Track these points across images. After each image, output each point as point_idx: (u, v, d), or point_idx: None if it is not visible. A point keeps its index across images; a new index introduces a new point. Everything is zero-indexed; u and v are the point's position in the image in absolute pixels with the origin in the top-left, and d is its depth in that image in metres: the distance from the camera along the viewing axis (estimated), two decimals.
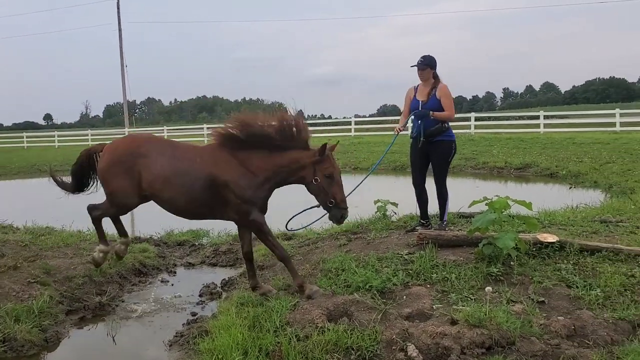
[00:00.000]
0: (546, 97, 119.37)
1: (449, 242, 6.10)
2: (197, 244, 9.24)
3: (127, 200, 5.75)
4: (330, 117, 79.90)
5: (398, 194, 9.35)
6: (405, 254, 5.99)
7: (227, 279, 7.14)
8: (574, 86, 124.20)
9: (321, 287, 5.29)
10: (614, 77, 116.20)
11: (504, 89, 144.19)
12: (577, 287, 4.95)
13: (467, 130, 30.15)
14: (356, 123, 37.14)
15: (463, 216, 7.78)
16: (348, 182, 5.95)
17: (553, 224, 7.16)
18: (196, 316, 5.89)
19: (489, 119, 38.33)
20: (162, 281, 7.29)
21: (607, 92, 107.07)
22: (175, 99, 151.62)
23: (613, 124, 26.58)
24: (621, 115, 27.17)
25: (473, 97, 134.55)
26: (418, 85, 7.04)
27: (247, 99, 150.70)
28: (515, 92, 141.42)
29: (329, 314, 4.72)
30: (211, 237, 9.54)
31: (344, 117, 46.27)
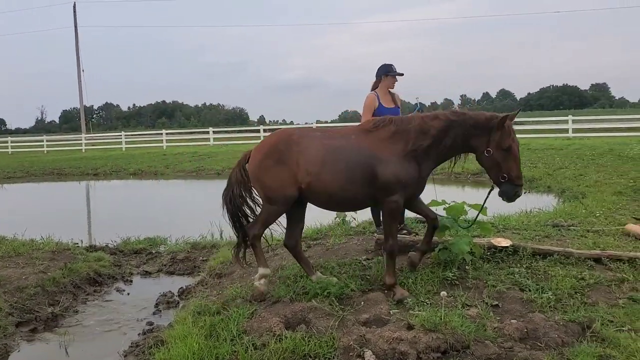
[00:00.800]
0: (502, 104, 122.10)
1: (408, 247, 6.16)
2: (154, 252, 9.10)
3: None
4: (292, 123, 79.91)
5: None
6: (364, 260, 6.03)
7: (184, 287, 7.05)
8: (529, 93, 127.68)
9: (280, 295, 5.26)
10: (567, 84, 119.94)
11: (461, 96, 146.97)
12: (529, 290, 5.07)
13: None
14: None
15: (421, 221, 7.87)
16: None
17: (507, 229, 7.33)
18: (152, 326, 5.79)
19: None
20: (117, 290, 7.15)
21: (561, 99, 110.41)
22: (134, 104, 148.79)
23: (566, 130, 27.37)
24: (574, 121, 28.01)
25: (432, 103, 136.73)
26: (377, 94, 6.95)
27: (207, 104, 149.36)
28: (473, 98, 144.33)
29: (286, 321, 4.71)
30: (169, 245, 9.40)
31: (306, 123, 46.36)
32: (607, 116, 37.54)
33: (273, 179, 5.16)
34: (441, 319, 4.32)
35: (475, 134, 4.94)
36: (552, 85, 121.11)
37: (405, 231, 6.89)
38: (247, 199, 5.58)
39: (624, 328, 4.34)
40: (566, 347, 4.12)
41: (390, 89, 6.89)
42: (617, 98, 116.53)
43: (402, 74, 6.81)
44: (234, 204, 5.53)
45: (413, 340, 4.12)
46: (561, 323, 4.42)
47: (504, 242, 5.95)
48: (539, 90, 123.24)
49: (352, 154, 5.01)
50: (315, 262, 6.17)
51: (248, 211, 5.61)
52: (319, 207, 5.45)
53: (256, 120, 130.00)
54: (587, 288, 5.16)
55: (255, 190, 5.54)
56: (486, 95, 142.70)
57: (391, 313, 4.72)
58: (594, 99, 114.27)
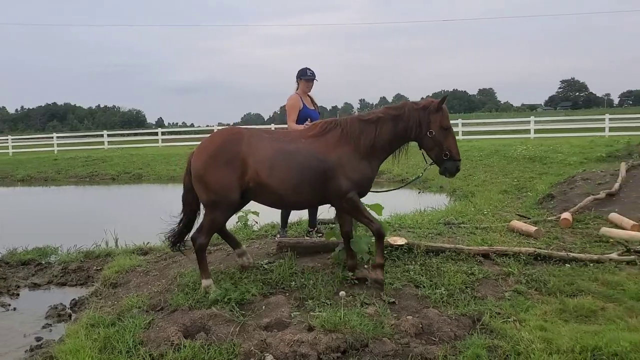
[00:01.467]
0: None
1: (308, 249, 6.21)
2: (44, 262, 8.54)
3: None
4: (192, 125, 78.05)
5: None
6: (265, 264, 6.00)
7: (77, 299, 6.67)
8: (422, 98, 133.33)
9: (178, 303, 5.11)
10: (456, 89, 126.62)
11: (360, 100, 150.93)
12: (424, 286, 5.28)
13: None
14: None
15: (323, 222, 7.97)
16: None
17: (403, 227, 7.59)
18: (41, 341, 5.43)
19: None
20: (2, 305, 6.62)
21: (451, 103, 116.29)
22: (22, 106, 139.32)
23: (456, 133, 28.89)
24: (463, 124, 29.66)
25: (332, 107, 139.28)
26: (299, 95, 6.92)
27: (102, 105, 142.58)
28: (371, 103, 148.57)
29: (185, 330, 4.59)
30: (60, 255, 8.85)
31: (207, 125, 45.60)
32: (493, 119, 40.02)
33: (219, 181, 5.02)
34: (341, 318, 4.39)
35: (421, 119, 5.20)
36: (444, 90, 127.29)
37: (320, 234, 6.98)
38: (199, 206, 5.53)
39: (509, 319, 4.63)
40: (458, 340, 4.32)
41: (307, 92, 6.95)
42: (502, 102, 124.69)
43: (314, 78, 6.88)
44: (190, 210, 5.58)
45: (313, 342, 4.15)
46: (453, 317, 4.64)
47: (399, 241, 6.16)
48: (432, 94, 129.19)
49: (304, 158, 5.05)
50: (216, 268, 6.06)
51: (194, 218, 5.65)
52: (264, 205, 5.45)
53: (154, 122, 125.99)
54: (477, 282, 5.45)
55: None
56: (383, 99, 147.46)
57: (292, 316, 4.73)
58: (482, 103, 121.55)
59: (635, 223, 7.70)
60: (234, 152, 5.02)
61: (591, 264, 6.11)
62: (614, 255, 6.34)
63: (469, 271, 5.66)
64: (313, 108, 6.95)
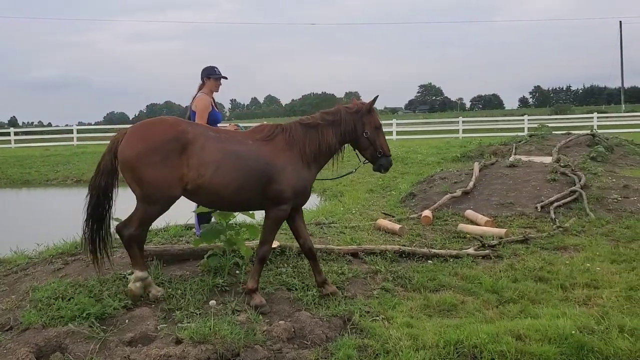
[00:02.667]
0: (269, 109, 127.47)
1: (176, 257, 5.94)
2: None
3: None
4: (50, 125, 72.27)
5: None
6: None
7: None
8: (293, 99, 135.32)
9: (30, 321, 4.61)
10: (325, 92, 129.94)
11: (231, 100, 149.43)
12: (296, 289, 5.26)
13: None
14: (79, 131, 34.72)
15: (189, 227, 7.68)
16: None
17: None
18: None
19: None
20: None
21: (321, 105, 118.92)
22: None
23: None
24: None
25: None
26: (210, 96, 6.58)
27: None
28: (242, 103, 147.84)
29: (38, 350, 4.16)
30: None
31: (66, 125, 42.70)
32: None
33: (158, 177, 4.62)
34: (210, 329, 4.21)
35: (356, 121, 5.29)
36: (313, 93, 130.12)
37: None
38: (114, 192, 5.00)
39: (378, 317, 4.74)
40: (330, 342, 4.34)
41: (215, 92, 6.62)
42: None
43: (226, 77, 6.58)
44: (99, 196, 4.93)
45: (182, 355, 3.94)
46: (325, 319, 4.66)
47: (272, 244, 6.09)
48: (301, 97, 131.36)
49: (251, 161, 4.88)
50: (73, 280, 5.57)
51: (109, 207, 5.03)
52: (202, 205, 5.27)
53: (7, 122, 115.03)
54: (347, 282, 5.55)
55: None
56: (254, 100, 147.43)
57: (158, 329, 4.46)
58: None
59: (488, 219, 8.32)
60: (177, 147, 4.66)
61: (451, 259, 6.48)
62: (470, 251, 6.79)
63: (339, 271, 5.74)
64: (217, 109, 6.68)
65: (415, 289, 5.57)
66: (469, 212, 8.88)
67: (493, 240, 7.22)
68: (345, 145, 5.46)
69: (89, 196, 5.00)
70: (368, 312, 4.88)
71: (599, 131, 24.65)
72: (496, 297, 5.39)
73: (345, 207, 10.49)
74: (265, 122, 5.69)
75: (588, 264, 6.25)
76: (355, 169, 5.84)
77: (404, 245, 6.88)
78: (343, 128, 5.26)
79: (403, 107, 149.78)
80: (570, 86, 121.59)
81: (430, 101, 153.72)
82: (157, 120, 5.03)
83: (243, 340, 4.17)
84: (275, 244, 6.09)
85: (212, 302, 4.86)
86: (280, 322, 4.56)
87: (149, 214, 4.84)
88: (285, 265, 5.85)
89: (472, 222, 8.44)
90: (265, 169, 4.90)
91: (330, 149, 5.27)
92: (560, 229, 7.88)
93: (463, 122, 31.20)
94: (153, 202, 4.74)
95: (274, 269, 5.76)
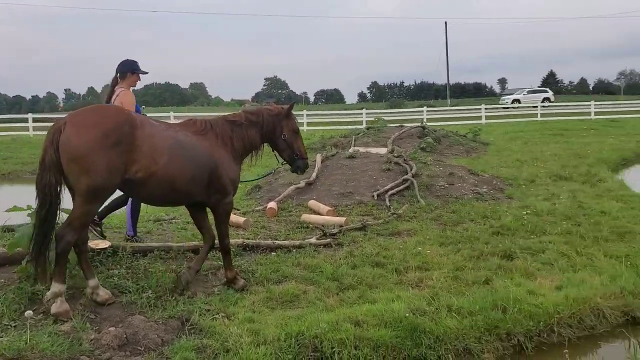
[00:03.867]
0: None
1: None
2: None
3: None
4: None
5: None
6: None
7: None
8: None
9: None
10: (169, 82, 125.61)
11: (65, 90, 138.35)
12: (130, 292, 4.89)
13: (27, 132, 29.97)
14: None
15: (8, 229, 6.84)
16: None
17: (108, 228, 6.97)
18: None
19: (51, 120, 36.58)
20: None
21: (164, 95, 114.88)
22: None
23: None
24: (175, 117, 29.57)
25: (33, 97, 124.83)
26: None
27: None
28: (78, 93, 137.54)
29: None
30: None
31: None
32: (208, 112, 40.75)
33: (109, 164, 4.33)
34: (27, 342, 3.74)
35: (275, 124, 5.61)
36: (156, 83, 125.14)
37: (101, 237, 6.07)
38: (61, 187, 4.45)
39: (218, 315, 4.57)
40: (166, 345, 4.08)
41: (134, 87, 6.24)
42: (213, 97, 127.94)
43: (147, 72, 6.20)
44: (51, 194, 4.36)
45: None
46: (161, 322, 4.39)
47: (102, 244, 5.62)
48: (144, 87, 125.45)
49: (198, 153, 4.93)
50: None
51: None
52: (141, 200, 5.25)
53: None
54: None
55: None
56: (92, 90, 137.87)
57: None
58: (194, 97, 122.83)
59: (330, 208, 8.51)
60: (127, 134, 4.46)
61: (294, 250, 6.49)
62: (313, 240, 6.86)
63: (179, 269, 5.46)
64: None
65: (258, 282, 5.47)
66: (312, 202, 9.01)
67: (334, 228, 7.38)
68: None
69: (39, 197, 4.43)
70: (208, 310, 4.68)
71: (429, 124, 26.73)
72: (337, 284, 5.49)
73: None
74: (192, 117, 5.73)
75: (419, 248, 6.62)
76: (275, 170, 6.39)
77: (248, 239, 6.77)
78: (265, 129, 5.55)
79: (250, 99, 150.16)
80: (403, 82, 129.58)
81: (277, 94, 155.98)
82: (103, 106, 4.89)
83: (67, 352, 3.78)
84: (105, 244, 5.63)
85: (29, 313, 4.29)
86: (110, 328, 4.19)
87: (91, 211, 4.57)
88: (118, 267, 5.42)
89: (315, 212, 8.57)
90: (210, 162, 5.00)
91: (253, 146, 5.55)
92: (395, 215, 8.29)
93: (307, 115, 32.03)
94: (99, 195, 4.46)
95: (105, 271, 5.30)
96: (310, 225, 7.75)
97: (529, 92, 48.89)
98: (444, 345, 4.39)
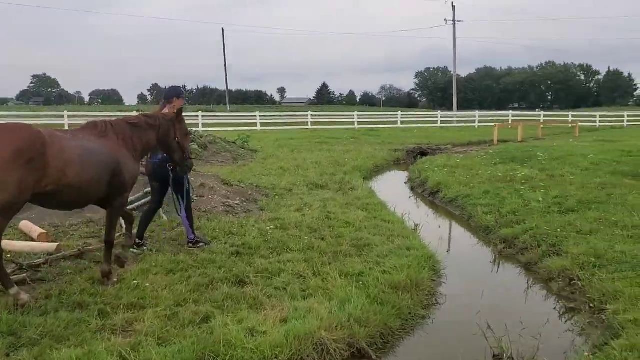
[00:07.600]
0: None
1: None
2: None
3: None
4: None
5: None
6: None
7: None
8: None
9: None
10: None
11: None
12: None
13: None
14: None
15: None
16: None
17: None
18: None
19: None
20: None
21: None
22: None
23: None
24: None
25: None
26: None
27: None
28: None
29: None
30: None
31: None
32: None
33: (22, 181, 4.42)
34: None
35: (169, 127, 5.97)
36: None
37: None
38: None
39: None
40: None
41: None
42: None
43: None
44: None
45: None
46: None
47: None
48: None
49: (103, 156, 5.12)
50: None
51: None
52: (49, 207, 5.35)
53: None
54: None
55: None
56: None
57: None
58: None
59: (43, 231, 6.99)
60: (38, 152, 4.51)
61: None
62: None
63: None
64: None
65: None
66: (24, 224, 7.34)
67: (39, 258, 5.96)
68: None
69: None
70: None
71: (205, 129, 25.87)
72: (11, 341, 4.18)
73: None
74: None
75: (139, 279, 5.58)
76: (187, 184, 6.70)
77: None
78: (161, 132, 5.90)
79: (15, 97, 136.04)
80: (185, 86, 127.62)
81: (46, 93, 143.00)
82: (13, 125, 4.76)
83: None
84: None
85: None
86: None
87: (1, 226, 4.55)
88: None
89: (28, 236, 7.00)
90: (113, 162, 5.21)
91: (150, 147, 5.94)
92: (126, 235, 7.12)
93: (68, 116, 29.21)
94: (9, 210, 4.51)
95: None
96: (8, 256, 6.18)
97: None
98: None
